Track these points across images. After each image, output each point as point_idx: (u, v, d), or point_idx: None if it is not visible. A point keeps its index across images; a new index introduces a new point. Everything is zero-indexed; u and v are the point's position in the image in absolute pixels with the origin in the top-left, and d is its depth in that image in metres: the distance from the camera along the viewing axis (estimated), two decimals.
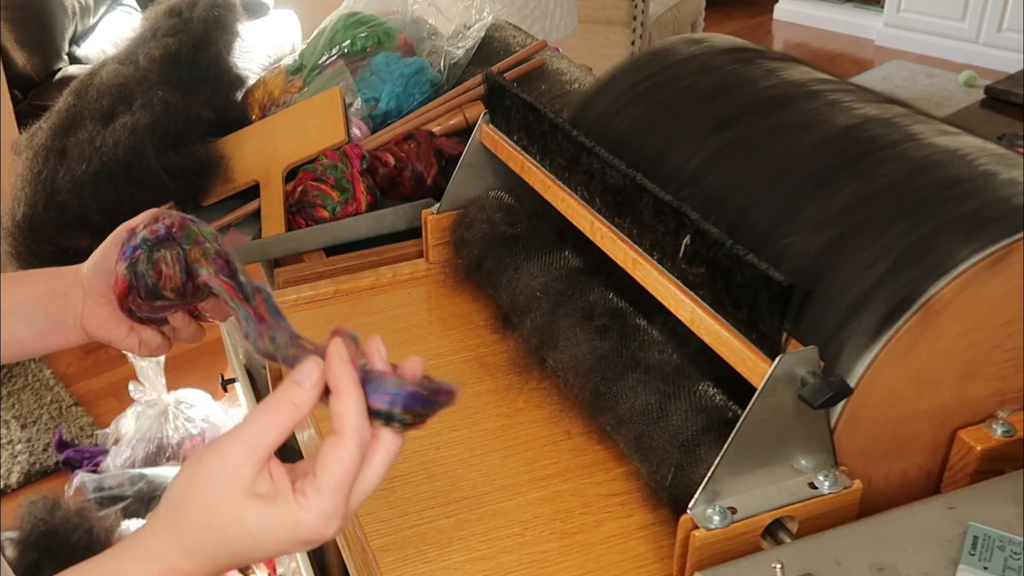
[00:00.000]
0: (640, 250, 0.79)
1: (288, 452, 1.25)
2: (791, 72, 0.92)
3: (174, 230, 0.68)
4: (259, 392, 1.28)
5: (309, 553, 1.08)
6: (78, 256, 1.24)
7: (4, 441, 2.27)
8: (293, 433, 1.07)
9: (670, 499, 0.74)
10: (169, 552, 0.53)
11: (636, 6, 3.50)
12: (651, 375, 0.78)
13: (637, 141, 0.92)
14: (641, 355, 0.81)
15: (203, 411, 2.13)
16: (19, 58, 2.94)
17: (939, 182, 0.74)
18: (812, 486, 0.68)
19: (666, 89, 0.95)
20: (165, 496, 0.55)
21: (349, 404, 0.54)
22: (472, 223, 1.03)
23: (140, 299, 0.70)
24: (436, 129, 1.31)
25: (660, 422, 0.75)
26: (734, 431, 0.65)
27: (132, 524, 1.82)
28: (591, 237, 0.86)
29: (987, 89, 2.83)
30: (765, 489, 0.68)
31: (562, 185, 0.90)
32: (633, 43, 3.56)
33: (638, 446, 0.77)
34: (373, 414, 0.55)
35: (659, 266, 0.77)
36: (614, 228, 0.83)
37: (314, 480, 0.54)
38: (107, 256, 0.72)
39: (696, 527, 0.66)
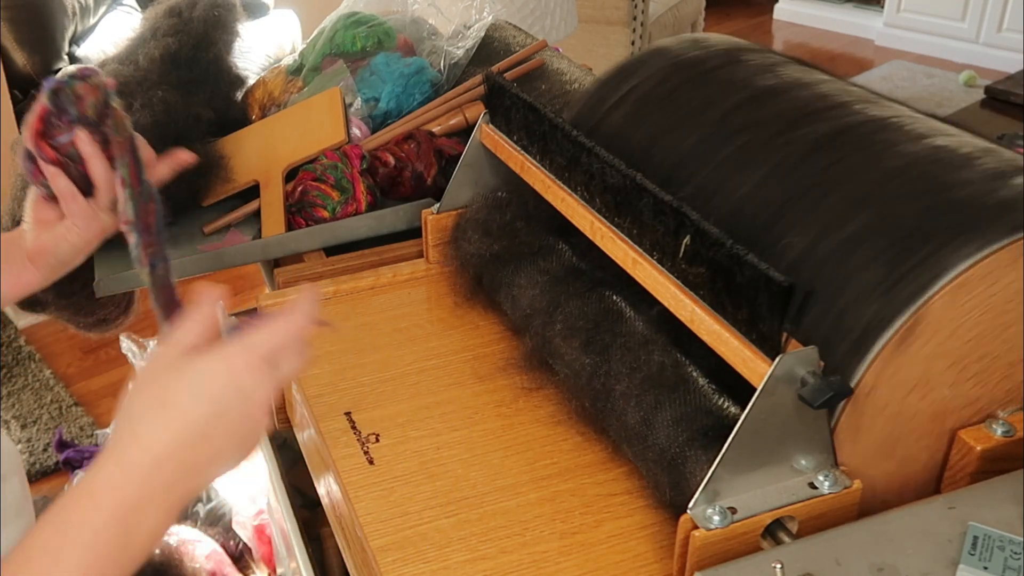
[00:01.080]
0: (640, 250, 0.79)
1: (289, 452, 1.25)
2: (791, 72, 0.92)
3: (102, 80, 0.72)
4: None
5: (309, 553, 1.08)
6: None
7: None
8: (294, 435, 1.07)
9: (671, 501, 0.74)
10: (111, 468, 0.57)
11: (636, 6, 3.50)
12: (632, 392, 0.78)
13: (637, 141, 0.92)
14: (623, 367, 0.80)
15: None
16: (19, 58, 2.94)
17: (938, 184, 0.74)
18: (812, 486, 0.68)
19: (666, 90, 0.95)
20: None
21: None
22: (462, 240, 1.03)
23: (57, 123, 0.71)
24: (436, 129, 1.31)
25: (647, 440, 0.75)
26: (734, 431, 0.65)
27: None
28: (591, 237, 0.86)
29: (987, 89, 2.83)
30: (765, 489, 0.68)
31: (562, 185, 0.90)
32: (633, 43, 3.56)
33: (640, 461, 0.77)
34: None
35: (659, 266, 0.77)
36: (614, 228, 0.83)
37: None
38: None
39: (696, 527, 0.66)
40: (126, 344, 1.90)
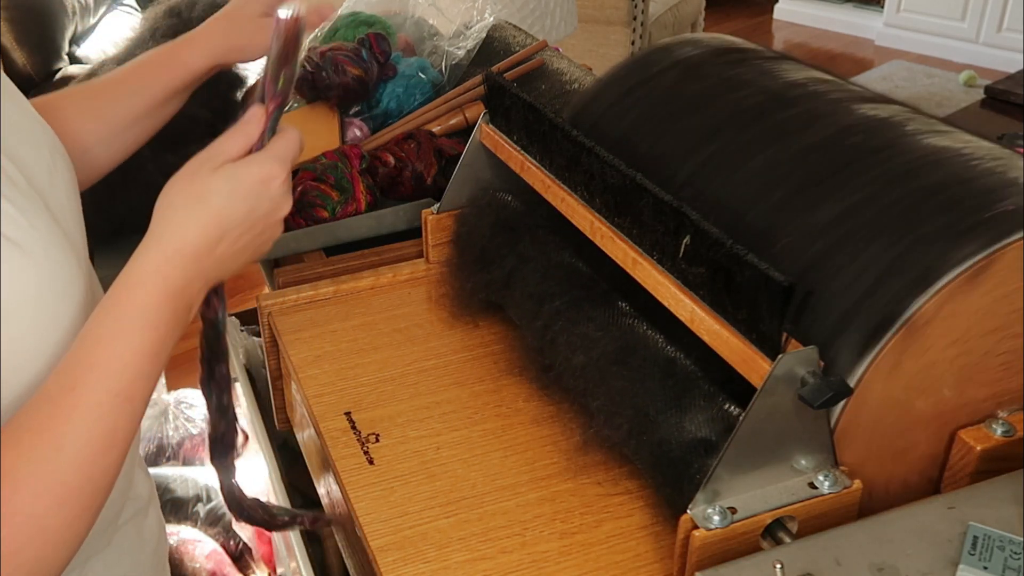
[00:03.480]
0: (640, 250, 0.79)
1: (289, 452, 1.25)
2: (790, 73, 0.92)
3: None
4: (259, 392, 1.28)
5: (309, 553, 1.08)
6: None
7: None
8: (294, 435, 1.06)
9: (673, 493, 0.74)
10: (156, 257, 0.61)
11: (636, 6, 3.50)
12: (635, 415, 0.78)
13: (637, 141, 0.92)
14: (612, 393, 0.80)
15: (203, 411, 2.12)
16: (19, 58, 2.94)
17: (939, 183, 0.74)
18: (812, 486, 0.68)
19: (665, 89, 0.95)
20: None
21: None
22: (461, 240, 1.03)
23: None
24: (436, 129, 1.31)
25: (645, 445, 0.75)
26: (734, 431, 0.65)
27: None
28: (591, 237, 0.86)
29: (987, 89, 2.82)
30: (765, 489, 0.68)
31: (562, 185, 0.90)
32: (633, 43, 3.56)
33: (640, 465, 0.77)
34: None
35: (659, 266, 0.77)
36: (614, 228, 0.83)
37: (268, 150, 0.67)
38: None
39: (696, 527, 0.66)
40: None
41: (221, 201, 0.63)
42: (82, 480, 0.54)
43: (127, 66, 0.87)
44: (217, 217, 0.63)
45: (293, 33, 0.67)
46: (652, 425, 0.75)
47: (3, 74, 0.68)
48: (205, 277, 0.64)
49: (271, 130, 0.68)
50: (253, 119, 0.67)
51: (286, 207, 0.68)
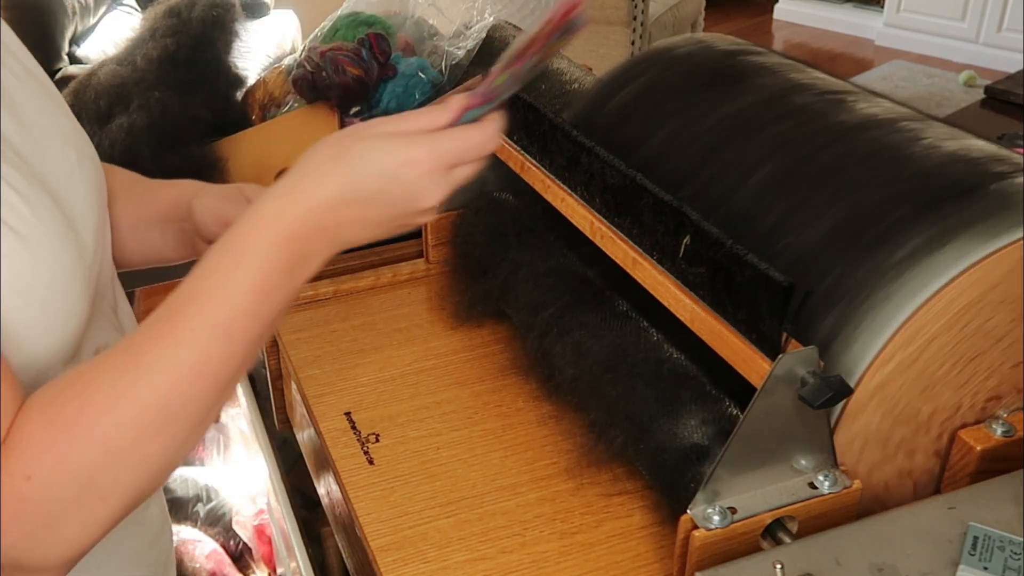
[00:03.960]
0: (640, 250, 0.79)
1: (289, 452, 1.25)
2: (791, 73, 0.92)
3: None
4: (258, 392, 1.28)
5: (309, 553, 1.08)
6: None
7: None
8: (294, 435, 1.06)
9: (671, 500, 0.74)
10: (279, 200, 0.59)
11: (636, 6, 3.50)
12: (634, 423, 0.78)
13: (636, 141, 0.92)
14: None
15: None
16: None
17: (940, 184, 0.74)
18: (812, 486, 0.68)
19: (666, 90, 0.95)
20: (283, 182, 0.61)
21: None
22: (461, 241, 1.03)
23: None
24: None
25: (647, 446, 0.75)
26: (734, 431, 0.65)
27: None
28: (591, 237, 0.86)
29: (987, 89, 2.82)
30: (765, 489, 0.68)
31: (562, 185, 0.90)
32: (633, 43, 3.56)
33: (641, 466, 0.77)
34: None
35: (659, 266, 0.77)
36: (614, 228, 0.83)
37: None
38: (226, 201, 0.77)
39: (696, 527, 0.66)
40: None
41: (354, 169, 0.60)
42: (159, 403, 0.54)
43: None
44: (344, 181, 0.60)
45: (563, 20, 0.62)
46: (647, 434, 0.75)
47: (36, 64, 0.67)
48: (326, 236, 0.60)
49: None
50: (449, 106, 0.63)
51: (427, 199, 0.62)
